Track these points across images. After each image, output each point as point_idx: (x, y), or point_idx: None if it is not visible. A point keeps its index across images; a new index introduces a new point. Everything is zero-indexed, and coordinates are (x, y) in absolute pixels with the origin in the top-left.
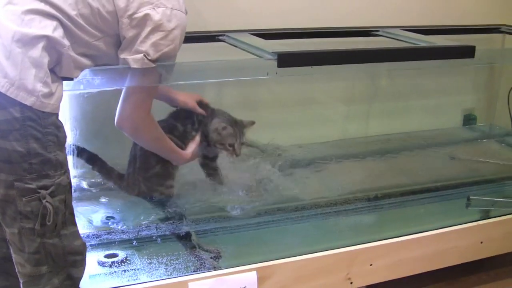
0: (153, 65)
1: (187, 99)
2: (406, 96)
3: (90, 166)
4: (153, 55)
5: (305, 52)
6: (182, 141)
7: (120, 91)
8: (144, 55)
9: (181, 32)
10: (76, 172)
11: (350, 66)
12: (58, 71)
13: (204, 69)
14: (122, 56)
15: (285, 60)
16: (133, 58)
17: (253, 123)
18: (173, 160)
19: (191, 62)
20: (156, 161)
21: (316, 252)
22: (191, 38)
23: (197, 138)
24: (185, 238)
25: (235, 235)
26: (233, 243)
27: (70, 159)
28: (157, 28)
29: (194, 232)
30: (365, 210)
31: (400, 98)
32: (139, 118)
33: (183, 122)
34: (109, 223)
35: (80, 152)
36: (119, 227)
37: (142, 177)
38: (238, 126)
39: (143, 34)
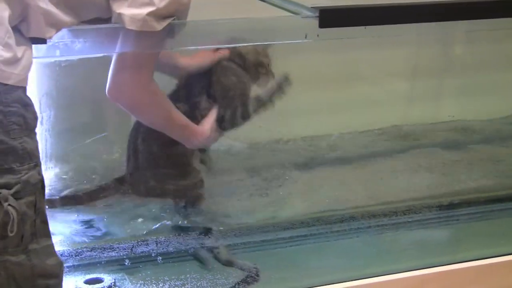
0: (158, 27)
1: (205, 54)
2: (491, 68)
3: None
4: (160, 3)
5: (357, 7)
6: (196, 117)
7: (110, 58)
8: (148, 14)
9: None
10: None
11: (418, 26)
12: (24, 30)
13: (218, 31)
14: (116, 9)
15: (330, 18)
16: (131, 16)
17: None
18: (187, 140)
19: (200, 21)
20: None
21: (368, 277)
22: None
23: (214, 111)
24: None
25: (256, 254)
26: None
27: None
28: None
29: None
30: (436, 222)
31: (483, 71)
32: (139, 85)
33: (195, 90)
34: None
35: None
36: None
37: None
38: None
39: None
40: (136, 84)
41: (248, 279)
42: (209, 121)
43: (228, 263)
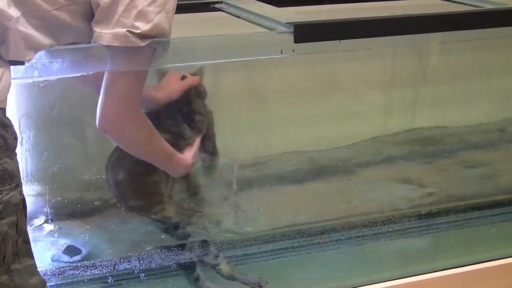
0: (141, 44)
1: (173, 85)
2: (465, 78)
3: None
4: (143, 27)
5: (331, 22)
6: (176, 144)
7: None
8: (129, 31)
9: None
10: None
11: (391, 39)
12: (3, 52)
13: (196, 48)
14: (97, 29)
15: (305, 33)
16: (113, 33)
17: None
18: (171, 169)
19: (178, 38)
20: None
21: (351, 287)
22: (178, 7)
23: (198, 140)
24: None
25: (239, 267)
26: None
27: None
28: None
29: (224, 258)
30: (414, 232)
31: (457, 81)
32: (126, 116)
33: (175, 117)
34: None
35: None
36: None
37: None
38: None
39: (125, 0)
40: (125, 114)
41: None
42: (192, 149)
43: (231, 278)
